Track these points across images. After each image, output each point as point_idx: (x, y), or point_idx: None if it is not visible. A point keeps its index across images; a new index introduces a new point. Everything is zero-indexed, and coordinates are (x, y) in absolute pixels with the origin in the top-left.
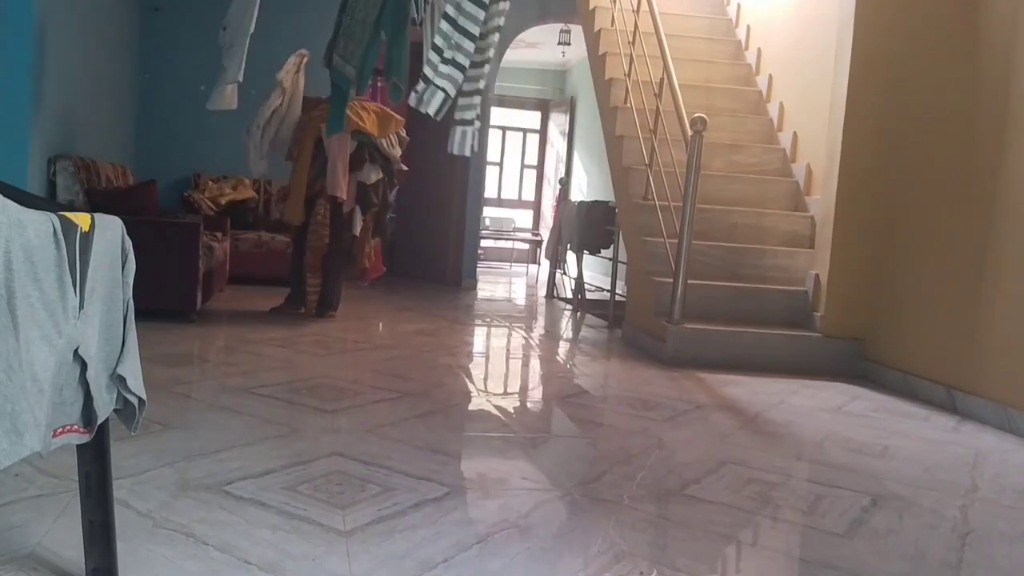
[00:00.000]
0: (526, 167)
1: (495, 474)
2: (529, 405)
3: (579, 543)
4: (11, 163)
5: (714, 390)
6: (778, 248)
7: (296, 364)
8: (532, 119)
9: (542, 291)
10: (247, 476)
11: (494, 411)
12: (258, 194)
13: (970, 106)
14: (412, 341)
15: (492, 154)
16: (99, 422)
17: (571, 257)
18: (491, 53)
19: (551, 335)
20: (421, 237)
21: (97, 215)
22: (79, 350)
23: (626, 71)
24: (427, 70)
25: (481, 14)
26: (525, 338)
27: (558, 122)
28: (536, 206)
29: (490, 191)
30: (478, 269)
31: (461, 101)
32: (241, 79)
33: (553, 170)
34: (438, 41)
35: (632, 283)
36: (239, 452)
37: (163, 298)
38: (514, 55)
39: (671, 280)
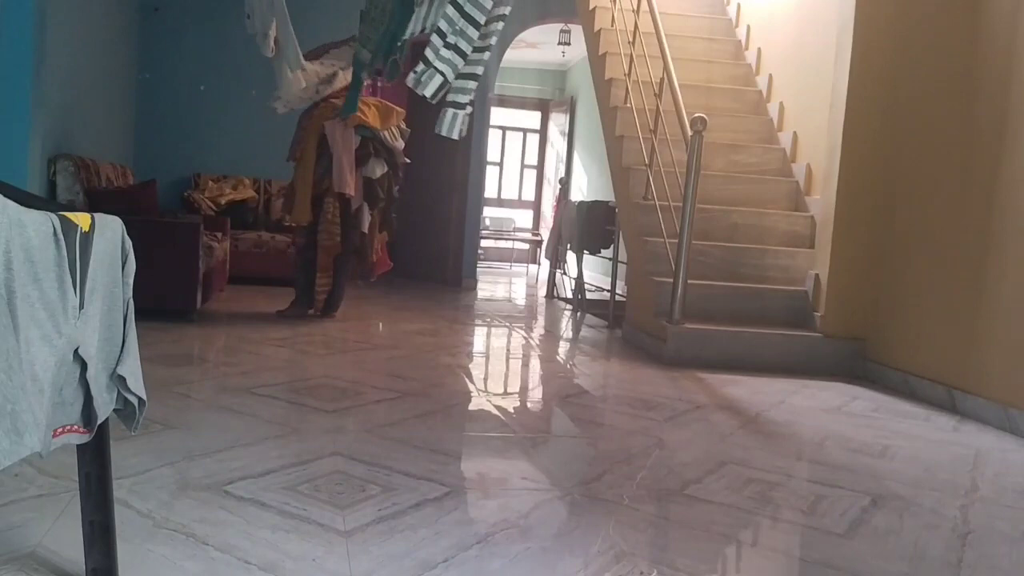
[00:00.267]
0: (526, 167)
1: (495, 474)
2: (529, 405)
3: (579, 543)
4: (11, 163)
5: (714, 390)
6: (778, 248)
7: (296, 364)
8: (532, 119)
9: (542, 291)
10: (247, 476)
11: (494, 411)
12: (258, 194)
13: (970, 106)
14: (412, 341)
15: (492, 154)
16: (99, 422)
17: (571, 257)
18: (493, 40)
19: (551, 335)
20: (421, 237)
21: (97, 215)
22: (79, 350)
23: (626, 71)
24: (428, 52)
25: (489, 2)
26: (525, 338)
27: (558, 122)
28: (536, 206)
29: (490, 191)
30: (478, 269)
31: (456, 83)
32: (303, 62)
33: (553, 170)
34: (442, 25)
35: (632, 283)
36: (239, 452)
37: (163, 298)
38: (514, 55)
39: (671, 280)
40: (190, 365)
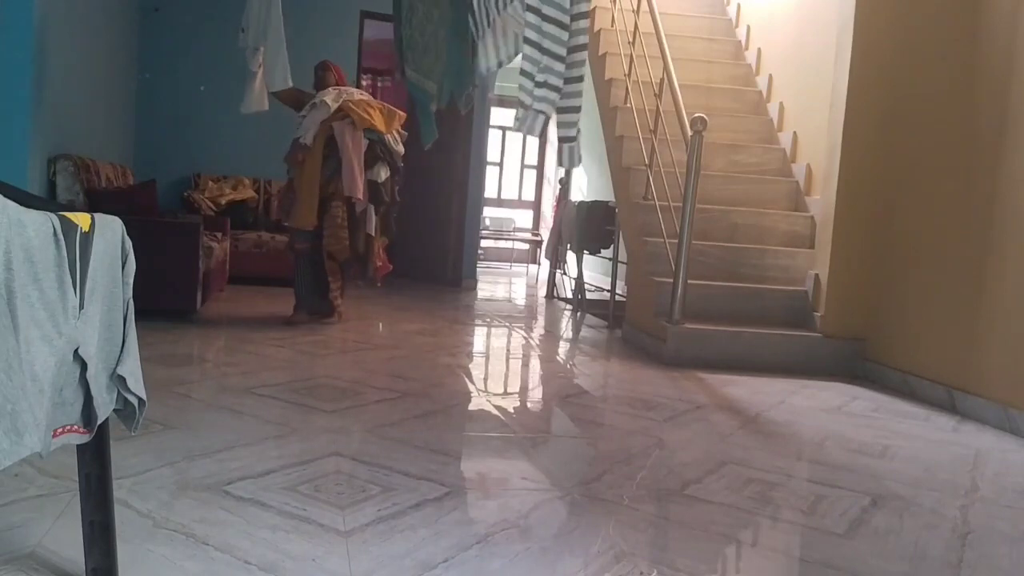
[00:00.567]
0: (526, 167)
1: (495, 474)
2: (529, 405)
3: (579, 543)
4: (11, 163)
5: (714, 390)
6: (778, 248)
7: (296, 364)
8: None
9: (542, 291)
10: (247, 476)
11: (494, 411)
12: (258, 194)
13: (970, 106)
14: (412, 341)
15: (492, 154)
16: (99, 422)
17: (571, 257)
18: (582, 71)
19: (551, 335)
20: (421, 237)
21: (97, 215)
22: (79, 350)
23: (626, 71)
24: (523, 96)
25: (564, 34)
26: (525, 338)
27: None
28: (536, 206)
29: (490, 191)
30: (478, 269)
31: (560, 118)
32: (290, 83)
33: (553, 170)
34: (527, 67)
35: (632, 283)
36: (239, 452)
37: (163, 298)
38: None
39: (671, 280)
40: (190, 365)
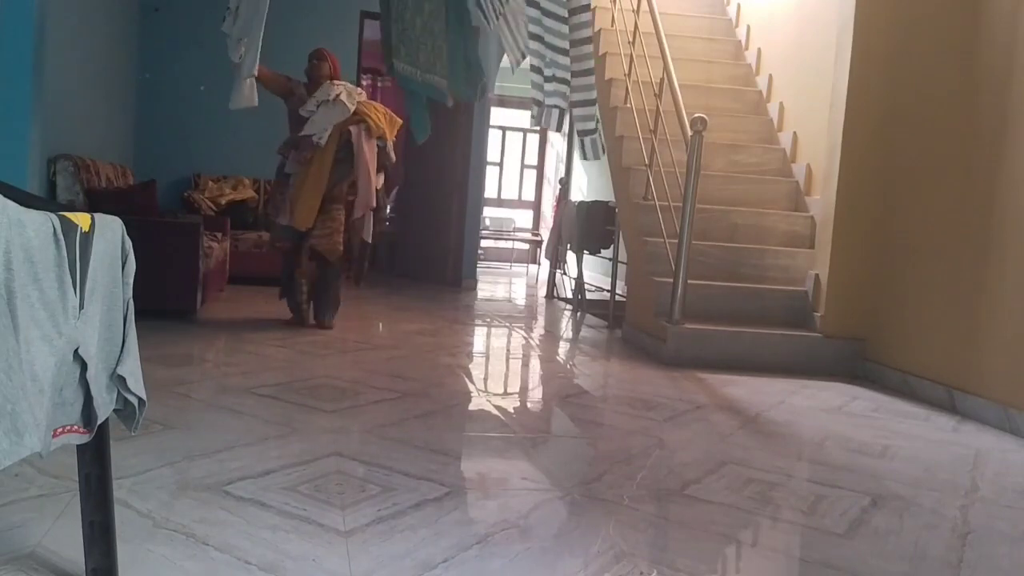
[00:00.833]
0: (526, 167)
1: (495, 474)
2: (529, 405)
3: (579, 543)
4: (11, 163)
5: (714, 390)
6: (778, 248)
7: (296, 364)
8: None
9: (542, 291)
10: (247, 476)
11: (494, 411)
12: (258, 194)
13: (970, 106)
14: (412, 341)
15: (492, 154)
16: (99, 422)
17: (571, 257)
18: (590, 64)
19: (551, 335)
20: (421, 237)
21: (97, 215)
22: (79, 350)
23: (626, 71)
24: (535, 94)
25: (564, 28)
26: (525, 338)
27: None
28: (536, 206)
29: (490, 191)
30: (478, 269)
31: (577, 112)
32: (254, 72)
33: (553, 170)
34: (535, 62)
35: (632, 283)
36: (239, 452)
37: (163, 298)
38: None
39: (671, 280)
40: (190, 365)
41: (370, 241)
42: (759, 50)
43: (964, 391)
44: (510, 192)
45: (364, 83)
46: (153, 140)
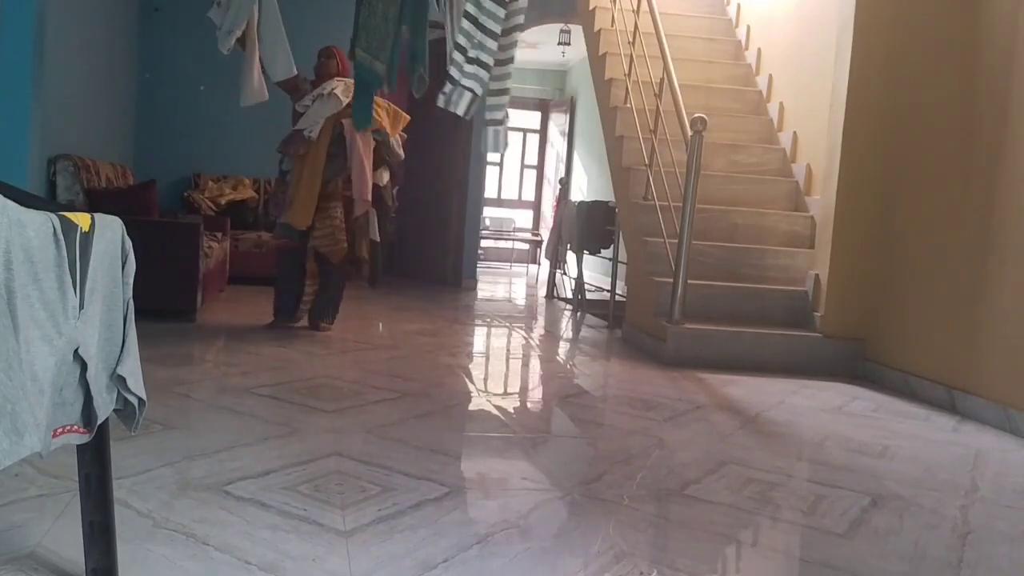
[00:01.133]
0: (526, 167)
1: (495, 474)
2: (529, 405)
3: (579, 543)
4: (11, 163)
5: (714, 390)
6: (778, 248)
7: (296, 364)
8: (532, 119)
9: (542, 291)
10: (247, 476)
11: (494, 411)
12: (258, 194)
13: (971, 106)
14: (412, 341)
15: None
16: (99, 422)
17: (571, 257)
18: (514, 52)
19: (551, 335)
20: (421, 237)
21: (97, 215)
22: (79, 350)
23: (626, 71)
24: (453, 71)
25: (501, 12)
26: (525, 338)
27: (558, 122)
28: (536, 206)
29: (490, 191)
30: (478, 269)
31: (490, 101)
32: (294, 71)
33: (553, 170)
34: (461, 40)
35: (632, 283)
36: (239, 452)
37: (163, 298)
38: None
39: (671, 280)
40: (190, 365)
41: (379, 240)
42: (759, 50)
43: (964, 391)
44: (510, 192)
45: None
46: (153, 140)
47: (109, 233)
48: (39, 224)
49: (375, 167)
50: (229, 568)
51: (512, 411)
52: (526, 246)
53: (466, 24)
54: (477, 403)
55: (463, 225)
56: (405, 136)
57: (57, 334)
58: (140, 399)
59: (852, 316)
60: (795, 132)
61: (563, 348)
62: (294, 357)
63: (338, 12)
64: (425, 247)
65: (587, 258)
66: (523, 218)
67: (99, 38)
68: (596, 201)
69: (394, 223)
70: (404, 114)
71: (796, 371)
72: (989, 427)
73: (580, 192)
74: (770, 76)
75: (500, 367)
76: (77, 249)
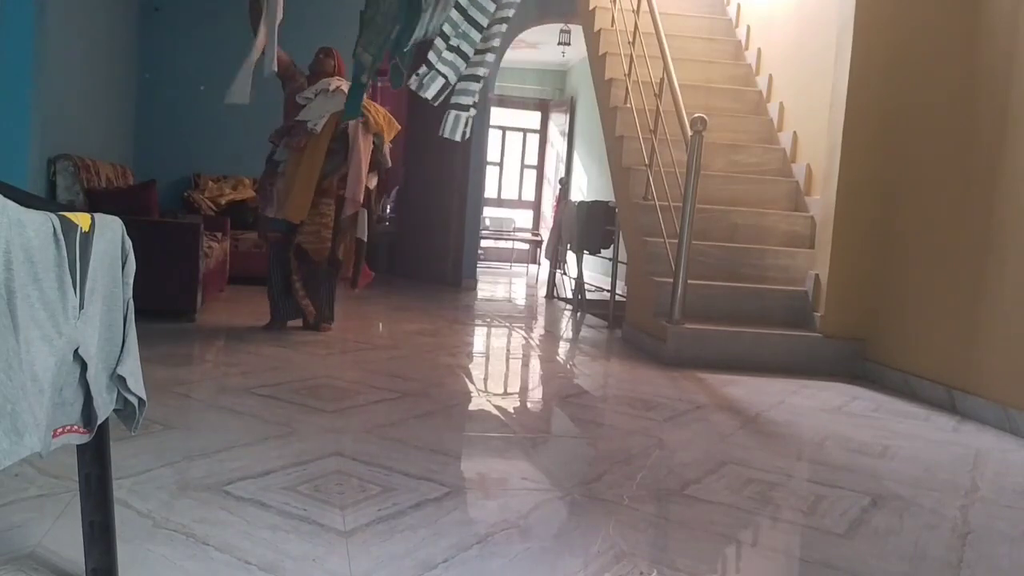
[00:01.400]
0: (526, 167)
1: (495, 474)
2: (529, 405)
3: (579, 543)
4: (11, 163)
5: (714, 390)
6: (778, 248)
7: (296, 364)
8: (532, 119)
9: (542, 291)
10: (247, 476)
11: (494, 411)
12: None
13: (971, 106)
14: (412, 341)
15: (492, 154)
16: (99, 422)
17: (571, 257)
18: (496, 43)
19: (551, 335)
20: (421, 237)
21: (97, 215)
22: (79, 350)
23: (626, 71)
24: (431, 55)
25: (492, 6)
26: (525, 338)
27: (558, 122)
28: (536, 206)
29: (490, 191)
30: (478, 269)
31: (459, 85)
32: (274, 69)
33: (553, 170)
34: (446, 28)
35: (632, 283)
36: (239, 452)
37: (163, 298)
38: (514, 55)
39: (671, 280)
40: (190, 365)
41: (365, 239)
42: (759, 50)
43: (964, 391)
44: (510, 192)
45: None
46: (153, 140)
47: (109, 233)
48: (39, 224)
49: (370, 170)
50: (229, 568)
51: (512, 411)
52: (526, 246)
53: (454, 14)
54: (477, 403)
55: (463, 225)
56: (391, 146)
57: (57, 334)
58: (140, 399)
59: (852, 316)
60: (795, 132)
61: (563, 348)
62: (294, 357)
63: (337, 28)
64: (425, 247)
65: (587, 258)
66: (523, 218)
67: (99, 38)
68: (596, 201)
69: (386, 224)
70: (396, 123)
71: (796, 371)
72: (989, 427)
73: (580, 192)
74: (770, 76)
75: (500, 367)
76: (77, 249)
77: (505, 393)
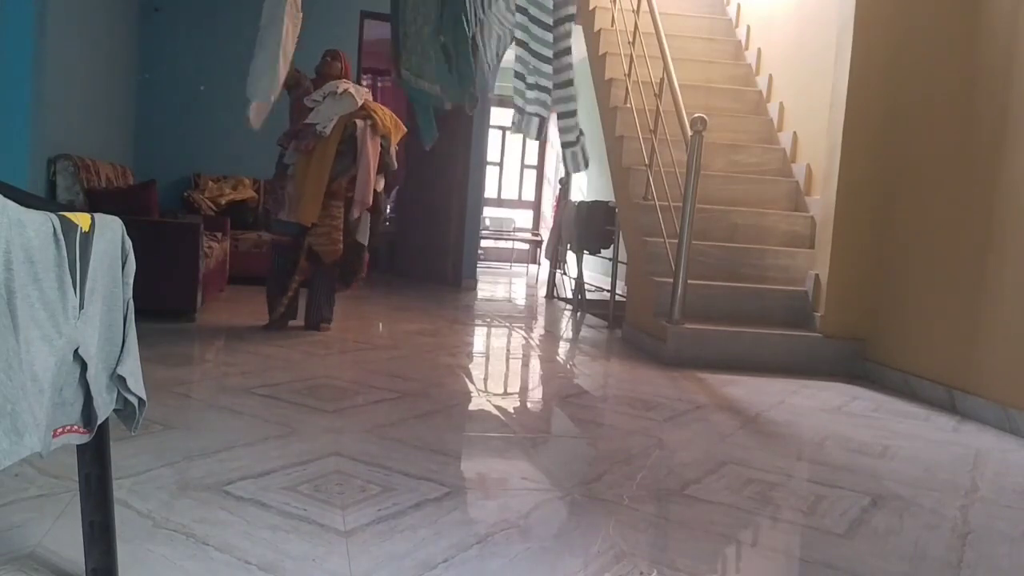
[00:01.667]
0: (526, 167)
1: (495, 474)
2: (529, 405)
3: (579, 543)
4: (11, 163)
5: (714, 390)
6: (778, 248)
7: (296, 364)
8: None
9: (542, 291)
10: (247, 476)
11: (494, 411)
12: (258, 194)
13: (970, 106)
14: (412, 341)
15: (492, 154)
16: (99, 422)
17: (571, 257)
18: (572, 74)
19: (551, 335)
20: (421, 237)
21: (97, 215)
22: (79, 350)
23: (626, 71)
24: (517, 100)
25: (549, 36)
26: (525, 338)
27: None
28: (536, 206)
29: (490, 191)
30: (478, 269)
31: (559, 124)
32: (273, 98)
33: (553, 170)
34: (518, 68)
35: (632, 283)
36: (239, 452)
37: (163, 298)
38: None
39: (671, 280)
40: (190, 365)
41: (365, 243)
42: (759, 50)
43: (964, 391)
44: (510, 192)
45: (364, 83)
46: (153, 140)
47: (109, 233)
48: (39, 224)
49: (377, 172)
50: (229, 568)
51: (512, 411)
52: (526, 246)
53: (519, 51)
54: (477, 403)
55: (463, 225)
56: (397, 148)
57: (57, 334)
58: (140, 399)
59: (852, 316)
60: (795, 132)
61: (563, 348)
62: (294, 357)
63: (338, 29)
64: (425, 247)
65: (587, 258)
66: (523, 218)
67: (99, 38)
68: (596, 201)
69: (387, 224)
70: (403, 125)
71: (796, 371)
72: (989, 427)
73: (580, 192)
74: (770, 76)
75: (500, 367)
76: (77, 249)
77: (505, 393)
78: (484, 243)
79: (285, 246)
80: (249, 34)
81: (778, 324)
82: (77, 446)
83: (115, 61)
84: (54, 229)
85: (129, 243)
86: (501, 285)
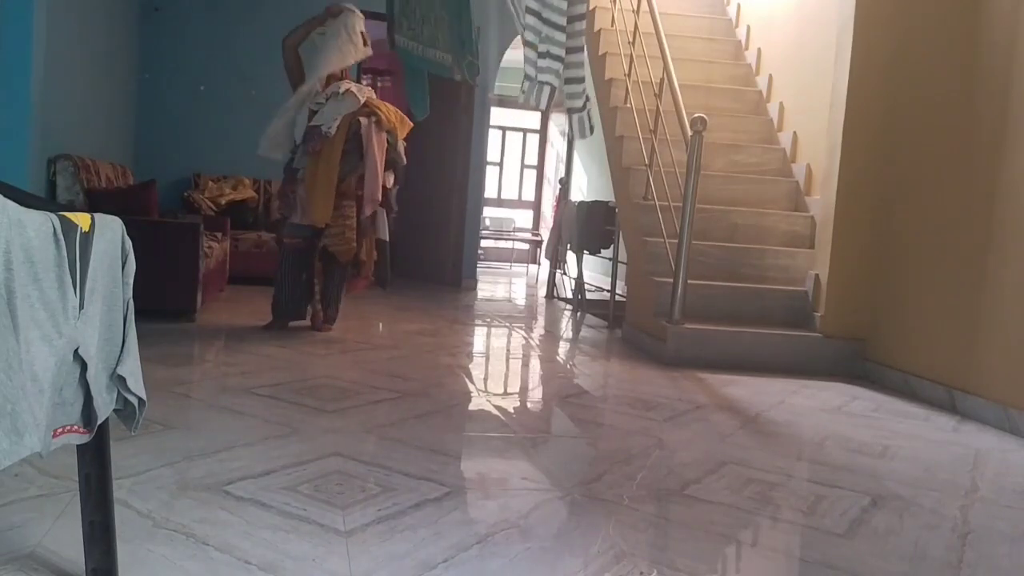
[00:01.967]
0: (526, 167)
1: (495, 474)
2: (529, 405)
3: (579, 543)
4: (11, 163)
5: (714, 390)
6: (778, 248)
7: (296, 364)
8: (532, 119)
9: (542, 291)
10: (247, 476)
11: (494, 411)
12: (258, 194)
13: (970, 106)
14: (412, 341)
15: (492, 154)
16: (99, 422)
17: (571, 257)
18: (582, 40)
19: (551, 335)
20: (421, 237)
21: (97, 215)
22: (79, 350)
23: (626, 71)
24: (528, 68)
25: (563, 3)
26: (525, 338)
27: (558, 122)
28: (536, 206)
29: (490, 191)
30: (478, 269)
31: (566, 90)
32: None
33: (553, 170)
34: (529, 37)
35: (632, 283)
36: (239, 452)
37: (163, 298)
38: (514, 55)
39: (671, 280)
40: (190, 365)
41: (387, 239)
42: (759, 50)
43: (964, 391)
44: (510, 192)
45: (364, 82)
46: (153, 140)
47: (109, 233)
48: (39, 224)
49: (386, 168)
50: (229, 568)
51: (512, 411)
52: (526, 246)
53: (531, 20)
54: (477, 403)
55: (463, 225)
56: (404, 143)
57: (57, 334)
58: (140, 399)
59: (852, 316)
60: (795, 132)
61: (563, 348)
62: (294, 357)
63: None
64: (425, 247)
65: (587, 258)
66: (523, 218)
67: (99, 38)
68: (596, 201)
69: (392, 224)
70: (408, 121)
71: (796, 371)
72: (989, 427)
73: (580, 192)
74: (770, 76)
75: (500, 367)
76: (77, 249)
77: (505, 393)
78: (484, 243)
79: (299, 249)
80: (249, 34)
81: (778, 324)
82: (77, 446)
83: (115, 61)
84: (54, 229)
85: (129, 243)
86: (501, 285)
